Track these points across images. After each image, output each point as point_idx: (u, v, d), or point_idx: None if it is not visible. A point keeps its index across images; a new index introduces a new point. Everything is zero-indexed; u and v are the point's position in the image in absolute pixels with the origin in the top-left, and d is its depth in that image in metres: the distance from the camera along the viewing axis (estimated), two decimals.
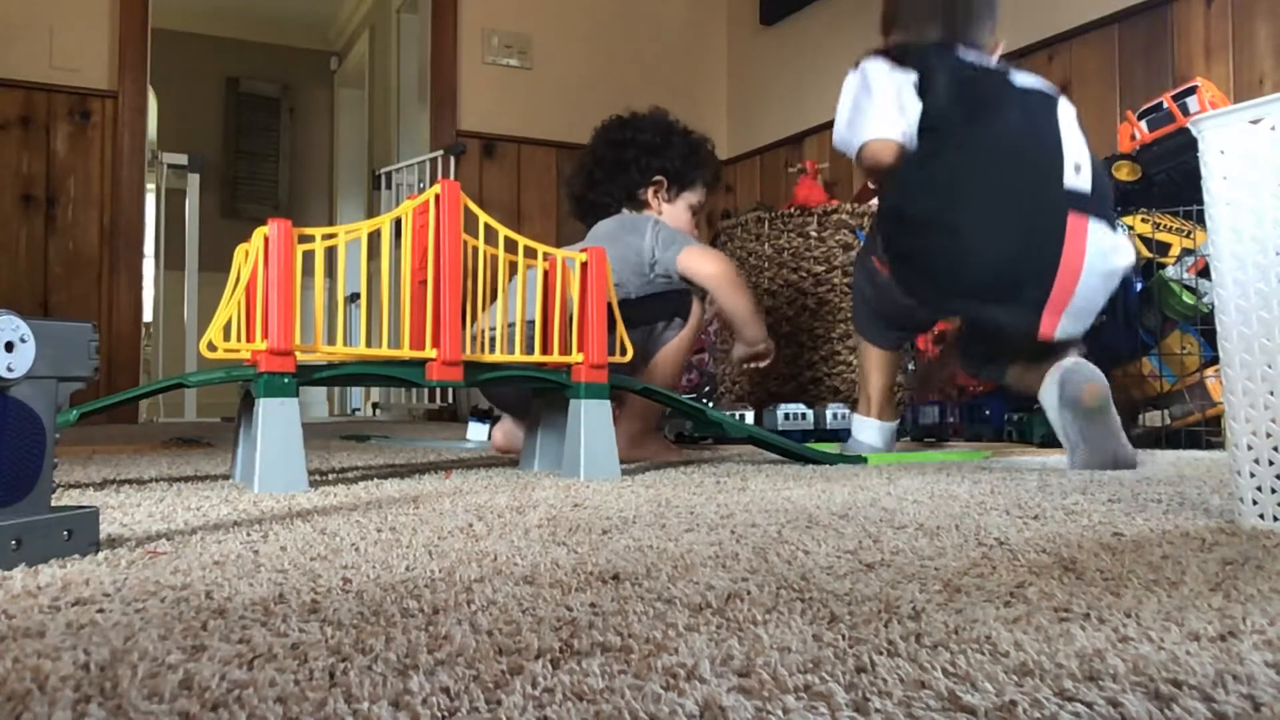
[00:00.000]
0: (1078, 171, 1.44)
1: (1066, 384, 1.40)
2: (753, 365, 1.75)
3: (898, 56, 1.54)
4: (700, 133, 1.86)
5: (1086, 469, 1.36)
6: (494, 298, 1.29)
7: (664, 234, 1.66)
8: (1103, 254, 1.43)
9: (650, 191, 1.79)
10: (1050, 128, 1.46)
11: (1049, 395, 1.43)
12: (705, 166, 1.82)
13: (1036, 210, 1.43)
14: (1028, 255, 1.42)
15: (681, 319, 1.66)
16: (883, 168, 1.52)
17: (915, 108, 1.50)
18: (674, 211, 1.79)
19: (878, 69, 1.54)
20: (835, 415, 2.14)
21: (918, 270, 1.52)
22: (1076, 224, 1.41)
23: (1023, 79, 1.52)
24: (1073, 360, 1.43)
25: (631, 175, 1.78)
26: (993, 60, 1.58)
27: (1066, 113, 1.50)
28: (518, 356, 1.25)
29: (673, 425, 2.12)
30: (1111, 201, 1.52)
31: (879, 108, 1.52)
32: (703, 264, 1.64)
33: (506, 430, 1.75)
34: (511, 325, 1.40)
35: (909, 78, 1.51)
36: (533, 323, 1.31)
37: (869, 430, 1.72)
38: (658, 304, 1.64)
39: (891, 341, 1.68)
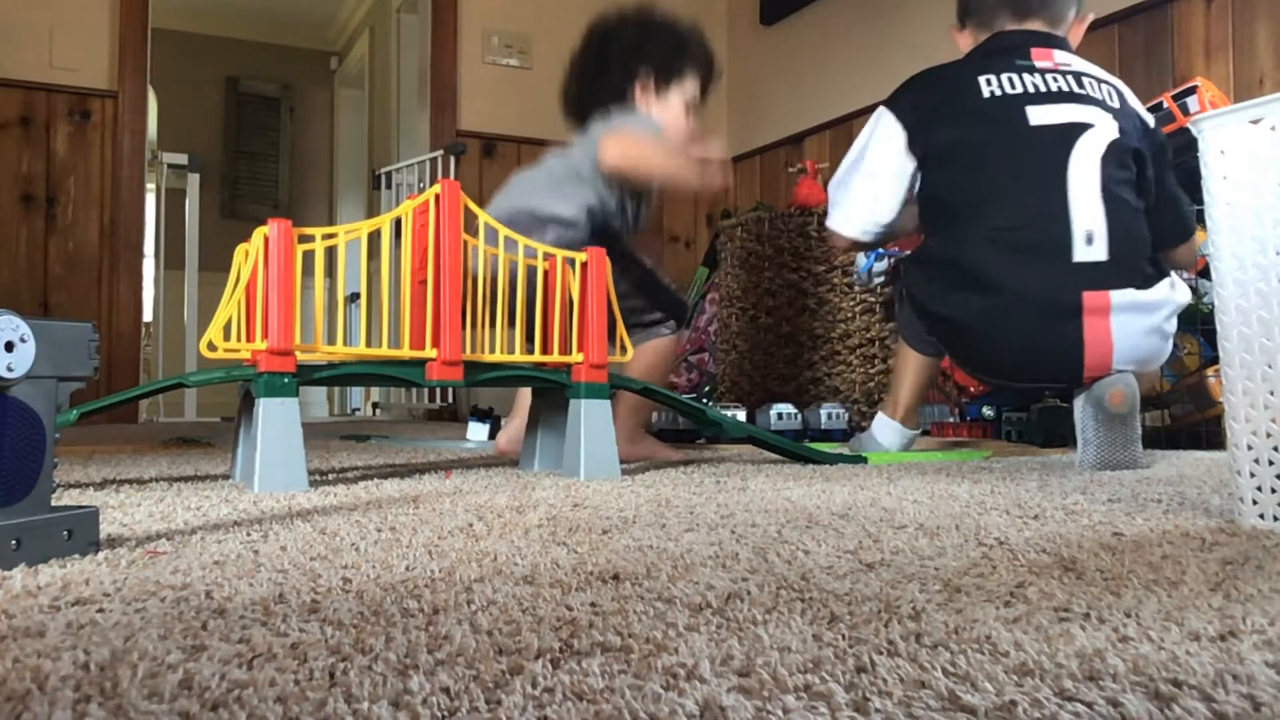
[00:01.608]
0: (1090, 242, 1.36)
1: (1096, 384, 1.38)
2: (710, 190, 1.68)
3: (908, 111, 1.52)
4: (690, 20, 1.76)
5: (1093, 470, 1.36)
6: (494, 302, 1.28)
7: (613, 124, 1.59)
8: (1138, 316, 1.37)
9: (638, 91, 1.69)
10: (1059, 190, 1.38)
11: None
12: (693, 57, 1.72)
13: (1048, 299, 1.37)
14: (1049, 346, 1.38)
15: (676, 324, 1.64)
16: (839, 249, 1.57)
17: (896, 200, 1.53)
18: (665, 109, 1.70)
19: (882, 143, 1.53)
20: (830, 415, 2.14)
21: (947, 344, 1.53)
22: (1095, 303, 1.35)
23: (1039, 115, 1.42)
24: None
25: (615, 77, 1.69)
26: (1046, 62, 1.47)
27: (1085, 155, 1.40)
28: (518, 356, 1.25)
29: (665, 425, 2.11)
30: (1143, 246, 1.42)
31: (857, 196, 1.55)
32: (605, 150, 1.53)
33: (510, 436, 1.73)
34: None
35: (906, 167, 1.52)
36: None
37: (889, 433, 1.68)
38: (655, 296, 1.62)
39: (931, 349, 1.62)
